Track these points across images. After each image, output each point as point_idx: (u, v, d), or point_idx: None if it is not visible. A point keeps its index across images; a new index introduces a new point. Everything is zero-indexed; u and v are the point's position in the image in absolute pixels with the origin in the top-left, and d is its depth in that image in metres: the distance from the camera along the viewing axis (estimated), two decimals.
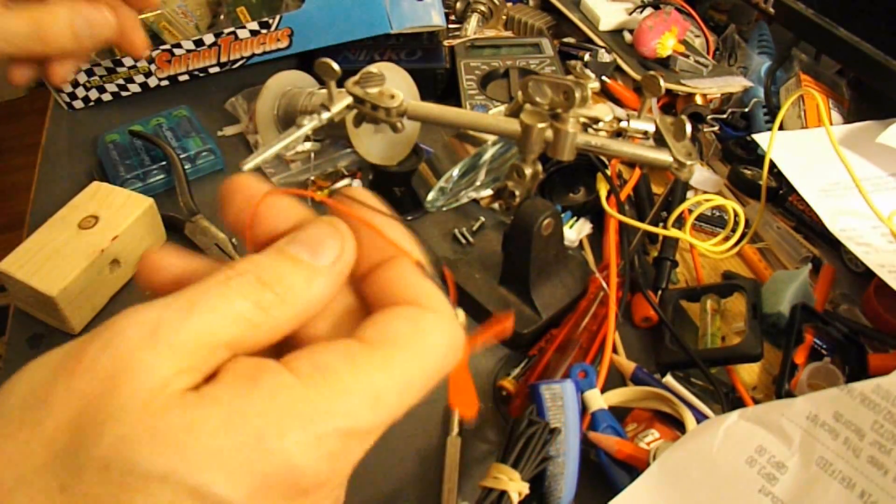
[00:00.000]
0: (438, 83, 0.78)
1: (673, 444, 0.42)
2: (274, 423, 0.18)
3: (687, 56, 0.79)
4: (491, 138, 0.52)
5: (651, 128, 0.50)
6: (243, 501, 0.17)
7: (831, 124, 0.64)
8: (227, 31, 0.73)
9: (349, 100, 0.50)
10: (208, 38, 0.74)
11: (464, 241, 0.64)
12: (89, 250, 0.55)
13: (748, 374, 0.53)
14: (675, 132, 0.48)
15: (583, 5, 0.87)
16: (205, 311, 0.19)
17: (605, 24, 0.84)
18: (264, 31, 0.74)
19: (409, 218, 0.66)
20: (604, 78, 0.78)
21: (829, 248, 0.63)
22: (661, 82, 0.48)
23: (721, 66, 0.81)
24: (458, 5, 0.88)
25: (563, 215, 0.64)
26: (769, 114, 0.73)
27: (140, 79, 0.76)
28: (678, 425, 0.47)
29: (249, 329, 0.20)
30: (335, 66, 0.47)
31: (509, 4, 0.91)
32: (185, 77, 0.76)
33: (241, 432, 0.18)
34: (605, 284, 0.55)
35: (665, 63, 0.79)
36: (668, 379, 0.49)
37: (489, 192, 0.65)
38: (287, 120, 0.60)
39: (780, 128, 0.64)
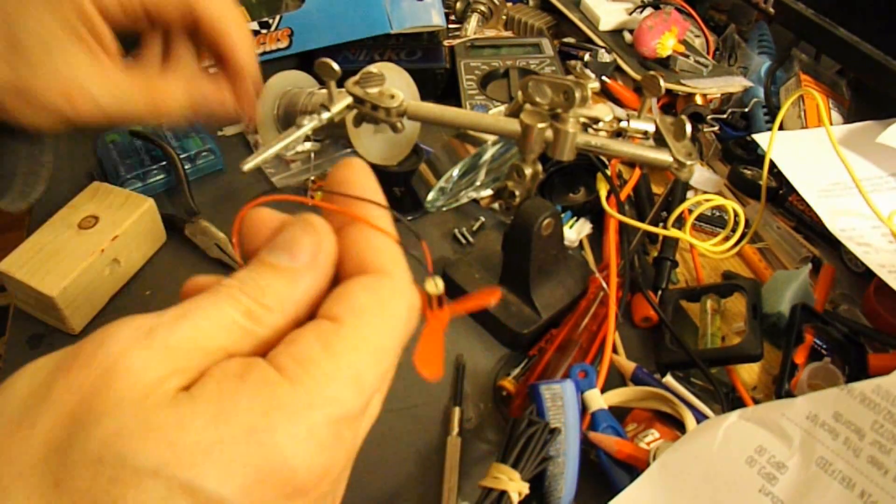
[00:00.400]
0: (438, 83, 0.78)
1: (673, 444, 0.42)
2: (263, 418, 0.18)
3: (687, 56, 0.79)
4: (491, 138, 0.52)
5: (651, 128, 0.50)
6: (236, 496, 0.18)
7: (831, 124, 0.64)
8: None
9: (349, 100, 0.50)
10: None
11: (464, 241, 0.64)
12: (89, 250, 0.55)
13: (748, 374, 0.53)
14: (675, 132, 0.48)
15: (583, 5, 0.87)
16: (199, 318, 0.20)
17: (605, 24, 0.84)
18: (264, 31, 0.74)
19: (410, 218, 0.66)
20: (604, 78, 0.79)
21: (829, 248, 0.63)
22: (661, 82, 0.48)
23: (721, 66, 0.81)
24: (458, 5, 0.88)
25: (563, 215, 0.64)
26: (769, 114, 0.73)
27: None
28: (678, 425, 0.47)
29: (244, 335, 0.20)
30: (335, 66, 0.47)
31: (509, 4, 0.91)
32: None
33: (231, 427, 0.18)
34: (605, 284, 0.55)
35: (665, 63, 0.79)
36: (668, 379, 0.49)
37: (489, 192, 0.65)
38: (287, 120, 0.60)
39: (780, 128, 0.64)
